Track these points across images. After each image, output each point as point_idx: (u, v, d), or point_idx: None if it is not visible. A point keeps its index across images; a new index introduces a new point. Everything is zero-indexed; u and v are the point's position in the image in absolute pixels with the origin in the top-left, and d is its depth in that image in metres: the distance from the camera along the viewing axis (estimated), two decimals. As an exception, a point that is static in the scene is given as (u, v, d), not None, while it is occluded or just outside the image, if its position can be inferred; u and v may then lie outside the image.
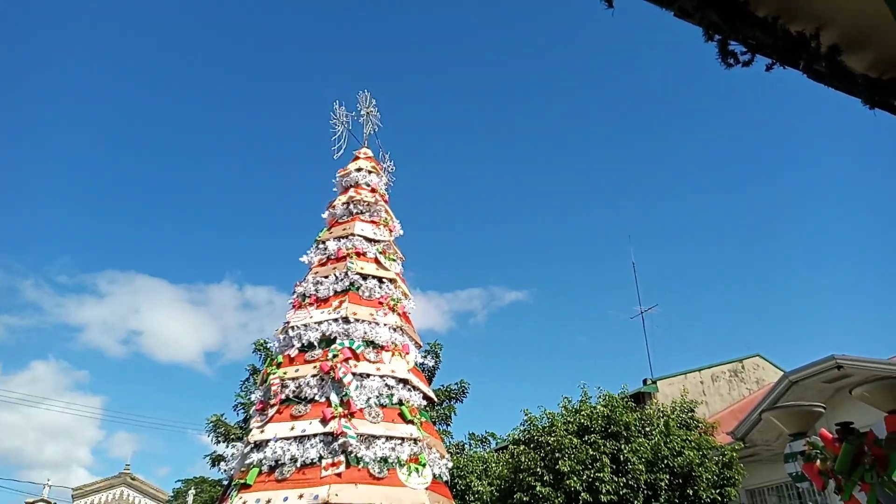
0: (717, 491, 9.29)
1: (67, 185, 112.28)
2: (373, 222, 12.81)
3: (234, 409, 18.20)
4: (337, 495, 8.95)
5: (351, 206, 12.97)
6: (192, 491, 49.54)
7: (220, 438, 17.67)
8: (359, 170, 13.57)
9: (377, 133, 14.60)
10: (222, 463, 12.85)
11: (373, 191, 13.36)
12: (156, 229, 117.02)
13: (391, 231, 13.00)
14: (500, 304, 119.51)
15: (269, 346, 13.10)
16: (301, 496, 8.98)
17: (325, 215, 13.30)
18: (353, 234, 12.34)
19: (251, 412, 10.98)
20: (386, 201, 13.59)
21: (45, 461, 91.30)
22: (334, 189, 13.75)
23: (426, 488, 9.79)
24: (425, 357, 12.76)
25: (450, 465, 11.14)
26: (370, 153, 14.23)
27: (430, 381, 12.97)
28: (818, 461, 5.88)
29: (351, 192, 13.16)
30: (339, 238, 12.41)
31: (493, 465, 13.06)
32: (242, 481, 9.43)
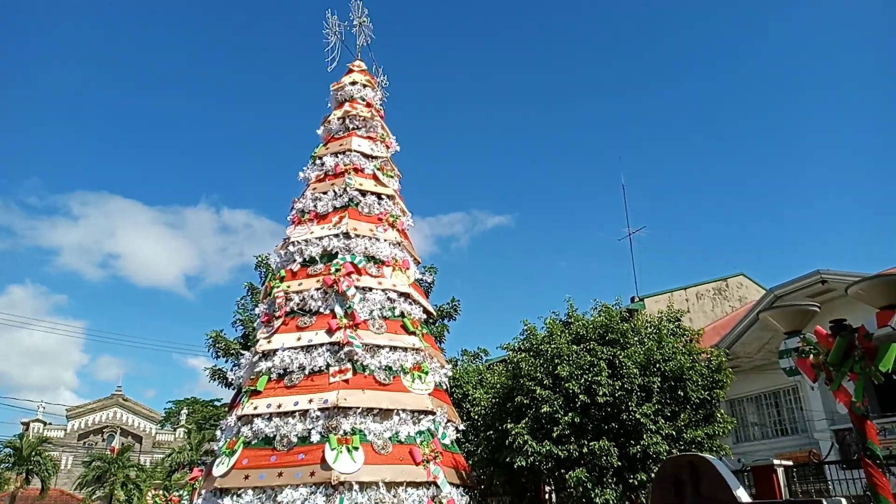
0: (707, 392, 9.79)
1: (32, 100, 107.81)
2: (370, 138, 12.64)
3: (233, 326, 18.55)
4: (346, 399, 9.31)
5: (347, 121, 12.75)
6: (185, 410, 51.15)
7: (219, 353, 18.08)
8: (353, 83, 13.25)
9: (370, 45, 14.14)
10: (230, 374, 13.25)
11: (368, 105, 13.10)
12: (126, 148, 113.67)
13: (388, 147, 12.87)
14: (483, 229, 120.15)
15: (269, 261, 13.21)
16: (311, 401, 9.33)
17: (320, 131, 13.07)
18: (350, 150, 12.20)
19: (257, 324, 11.19)
20: (382, 116, 13.35)
21: (31, 384, 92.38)
22: (329, 104, 13.45)
23: (429, 394, 10.21)
24: (423, 273, 12.95)
25: (449, 373, 11.55)
26: (364, 66, 13.84)
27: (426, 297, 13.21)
28: (811, 356, 6.20)
29: (346, 107, 12.89)
30: (336, 154, 12.28)
31: (489, 375, 13.56)
32: (253, 388, 9.74)
